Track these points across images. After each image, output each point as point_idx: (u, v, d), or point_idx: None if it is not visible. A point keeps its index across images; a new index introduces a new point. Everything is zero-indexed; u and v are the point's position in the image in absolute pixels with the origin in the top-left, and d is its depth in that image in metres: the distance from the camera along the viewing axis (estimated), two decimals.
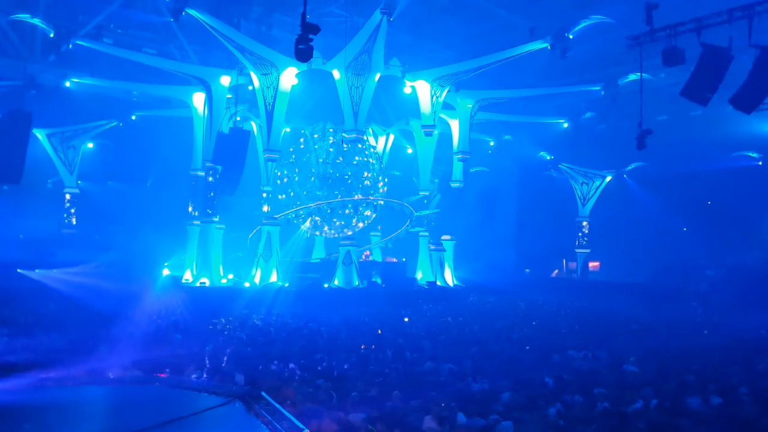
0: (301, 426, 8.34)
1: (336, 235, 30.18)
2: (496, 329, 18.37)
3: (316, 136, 30.07)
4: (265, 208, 28.40)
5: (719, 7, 16.09)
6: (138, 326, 16.35)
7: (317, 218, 29.18)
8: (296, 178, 29.34)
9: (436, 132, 30.39)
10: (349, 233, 29.72)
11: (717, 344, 15.80)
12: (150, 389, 11.10)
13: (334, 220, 29.25)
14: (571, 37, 25.15)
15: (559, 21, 25.46)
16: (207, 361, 12.28)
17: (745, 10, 15.43)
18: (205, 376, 11.60)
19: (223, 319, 18.69)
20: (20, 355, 12.06)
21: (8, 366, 11.00)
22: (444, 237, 31.79)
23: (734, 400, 9.86)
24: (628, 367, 12.59)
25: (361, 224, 30.36)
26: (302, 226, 30.04)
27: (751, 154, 30.83)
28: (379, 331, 17.56)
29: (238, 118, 27.30)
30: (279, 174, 29.43)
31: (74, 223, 31.09)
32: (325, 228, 29.99)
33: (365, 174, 29.79)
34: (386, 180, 31.11)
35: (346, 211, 29.04)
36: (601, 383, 10.92)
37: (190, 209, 28.45)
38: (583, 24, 24.90)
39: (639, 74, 19.00)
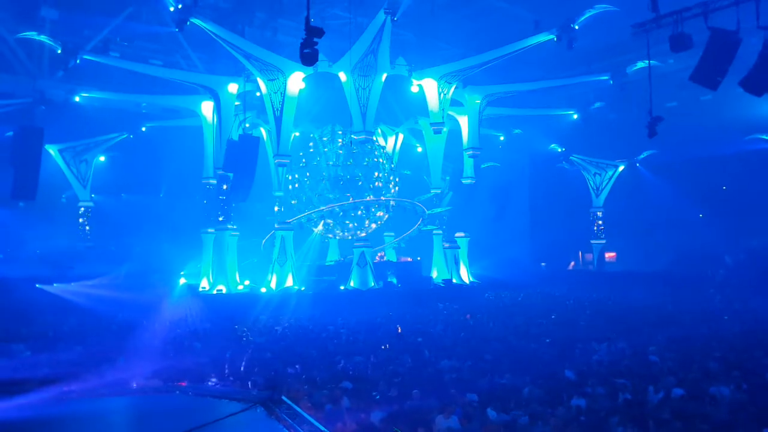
0: (323, 429, 8.34)
1: (349, 237, 30.22)
2: (515, 325, 18.28)
3: (325, 138, 30.12)
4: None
5: None
6: (157, 336, 16.46)
7: (330, 221, 29.26)
8: (307, 182, 29.43)
9: (445, 129, 30.32)
10: (363, 234, 29.75)
11: (738, 330, 15.64)
12: (172, 398, 11.17)
13: (347, 222, 29.30)
14: (576, 27, 25.02)
15: (563, 12, 25.30)
16: (227, 368, 12.33)
17: None
18: (225, 382, 11.66)
19: (241, 326, 18.77)
20: (42, 369, 12.18)
21: (31, 380, 11.10)
22: (458, 234, 31.72)
23: (759, 385, 9.74)
24: (649, 357, 12.49)
25: (373, 225, 30.38)
26: (315, 229, 30.14)
27: (764, 137, 30.44)
28: (399, 329, 17.58)
29: (247, 125, 27.40)
30: (290, 178, 29.55)
31: (90, 236, 31.33)
32: (338, 231, 30.05)
33: (376, 174, 29.80)
34: (397, 180, 31.08)
35: (359, 211, 29.07)
36: (623, 374, 10.85)
37: (206, 217, 28.58)
38: (588, 14, 24.75)
39: (647, 61, 18.83)
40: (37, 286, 23.79)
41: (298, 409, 9.20)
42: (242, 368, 12.33)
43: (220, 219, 27.54)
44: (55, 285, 24.27)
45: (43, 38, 24.45)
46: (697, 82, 15.91)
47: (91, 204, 31.55)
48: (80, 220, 31.25)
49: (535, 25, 26.45)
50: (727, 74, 15.24)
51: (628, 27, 18.74)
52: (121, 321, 19.77)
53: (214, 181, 28.16)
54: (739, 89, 15.12)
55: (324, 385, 10.82)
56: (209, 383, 11.72)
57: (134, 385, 11.69)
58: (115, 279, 25.79)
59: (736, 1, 15.54)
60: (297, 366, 12.40)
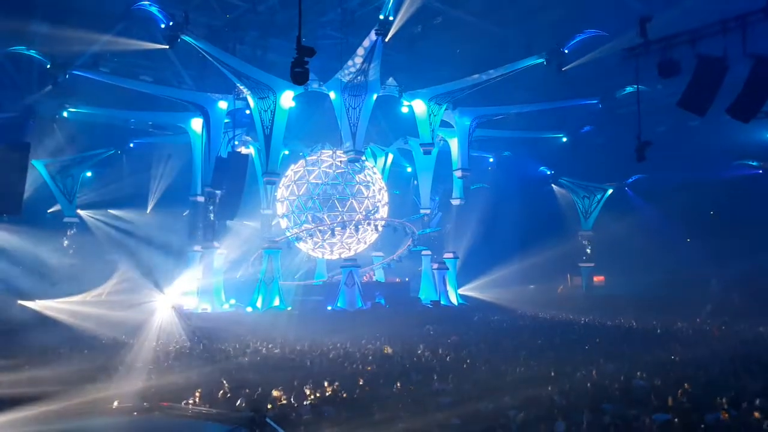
0: None
1: (338, 257, 30.06)
2: (503, 347, 18.16)
3: (314, 157, 30.07)
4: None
5: (713, 18, 16.08)
6: (140, 354, 16.19)
7: (318, 239, 29.11)
8: (296, 201, 29.31)
9: (434, 150, 30.40)
10: (351, 254, 29.61)
11: (727, 354, 15.59)
12: (153, 419, 10.94)
13: (336, 240, 29.16)
14: (566, 51, 25.26)
15: (554, 36, 25.55)
16: (211, 389, 12.10)
17: (739, 20, 15.40)
18: (208, 404, 11.43)
19: (225, 345, 18.51)
20: (22, 388, 11.89)
21: (10, 400, 10.84)
22: (446, 255, 31.64)
23: (747, 411, 9.67)
24: (637, 381, 12.40)
25: (362, 245, 30.24)
26: (303, 248, 29.93)
27: (751, 163, 30.76)
28: (387, 350, 17.39)
29: (236, 143, 27.32)
30: (279, 196, 29.41)
31: (74, 252, 30.85)
32: (327, 250, 29.88)
33: (365, 193, 29.75)
34: (386, 200, 31.00)
35: (347, 231, 28.96)
36: (610, 398, 10.76)
37: (193, 234, 28.28)
38: (578, 38, 25.02)
39: (636, 86, 18.99)
40: (18, 302, 23.38)
41: None
42: (226, 389, 12.11)
43: (209, 237, 27.28)
44: (37, 301, 23.86)
45: (32, 53, 24.29)
46: (685, 108, 16.00)
47: (76, 219, 31.17)
48: (65, 235, 30.77)
49: (526, 48, 26.65)
50: (715, 101, 15.35)
51: (618, 52, 18.86)
52: (103, 339, 19.47)
53: (202, 198, 27.95)
54: (726, 115, 15.22)
55: (310, 407, 10.63)
56: (192, 404, 11.49)
57: (115, 405, 11.45)
58: (99, 296, 25.40)
59: (723, 29, 15.70)
60: (282, 387, 12.18)
